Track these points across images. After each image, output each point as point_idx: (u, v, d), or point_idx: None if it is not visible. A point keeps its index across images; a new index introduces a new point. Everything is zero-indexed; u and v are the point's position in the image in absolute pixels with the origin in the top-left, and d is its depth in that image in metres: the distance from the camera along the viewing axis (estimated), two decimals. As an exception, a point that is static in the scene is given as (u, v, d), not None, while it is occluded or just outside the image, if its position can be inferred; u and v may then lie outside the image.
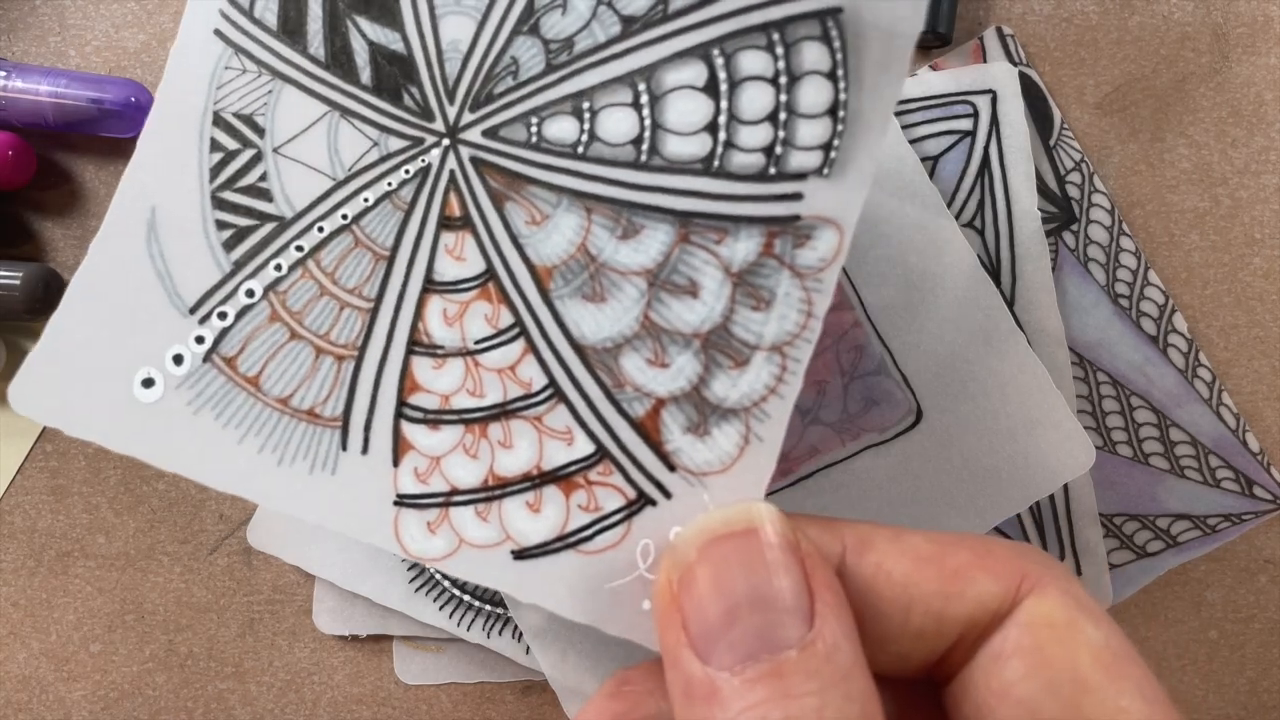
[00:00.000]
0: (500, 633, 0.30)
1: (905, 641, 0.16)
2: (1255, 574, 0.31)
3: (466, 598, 0.30)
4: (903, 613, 0.16)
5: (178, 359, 0.18)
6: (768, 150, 0.17)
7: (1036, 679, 0.15)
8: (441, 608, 0.30)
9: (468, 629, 0.30)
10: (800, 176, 0.17)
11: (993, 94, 0.30)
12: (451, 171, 0.18)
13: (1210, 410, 0.30)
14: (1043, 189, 0.30)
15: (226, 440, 0.17)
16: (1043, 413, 0.28)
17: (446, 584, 0.31)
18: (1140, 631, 0.31)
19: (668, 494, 0.17)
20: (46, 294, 0.30)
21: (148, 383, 0.17)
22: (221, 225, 0.18)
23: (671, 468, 0.17)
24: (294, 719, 0.32)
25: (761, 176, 0.17)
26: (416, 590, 0.30)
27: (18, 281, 0.29)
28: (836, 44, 0.17)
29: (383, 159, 0.18)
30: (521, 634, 0.30)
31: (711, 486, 0.17)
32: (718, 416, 0.17)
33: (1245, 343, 0.31)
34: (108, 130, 0.30)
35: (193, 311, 0.18)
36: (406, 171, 0.18)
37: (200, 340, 0.18)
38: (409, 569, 0.31)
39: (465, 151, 0.18)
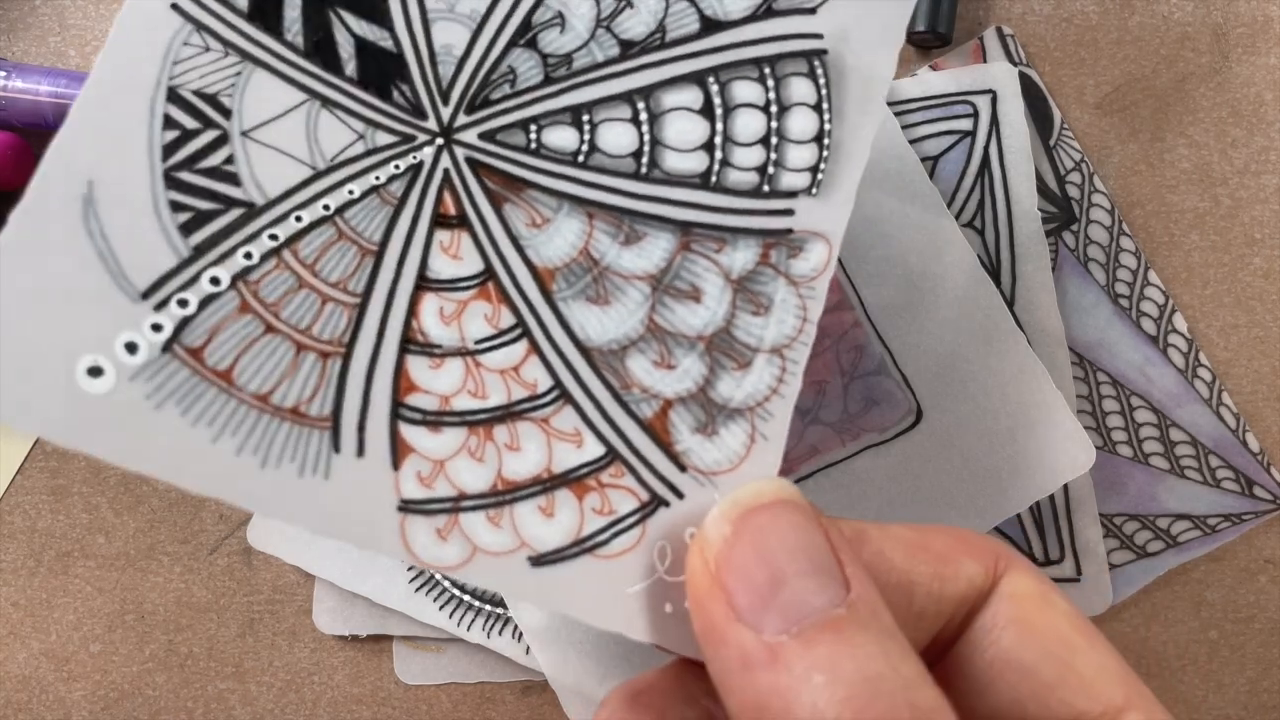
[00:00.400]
0: (500, 633, 0.30)
1: (908, 625, 0.17)
2: (1255, 574, 0.31)
3: (466, 598, 0.30)
4: (906, 597, 0.17)
5: (131, 347, 0.16)
6: (761, 170, 0.19)
7: (1031, 645, 0.16)
8: (441, 608, 0.30)
9: (468, 629, 0.30)
10: (791, 194, 0.19)
11: (993, 94, 0.30)
12: (446, 170, 0.18)
13: (1210, 410, 0.30)
14: (1043, 189, 0.30)
15: (199, 438, 0.16)
16: (1043, 413, 0.28)
17: (446, 584, 0.31)
18: (1140, 631, 0.31)
19: (680, 494, 0.17)
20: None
21: (95, 371, 0.16)
22: (178, 207, 0.17)
23: (682, 468, 0.17)
24: (294, 719, 0.32)
25: (756, 193, 0.19)
26: (416, 590, 0.30)
27: (18, 281, 0.29)
28: (822, 81, 0.19)
29: (369, 152, 0.18)
30: (521, 634, 0.30)
31: (721, 485, 0.18)
32: (724, 416, 0.18)
33: (1245, 343, 0.31)
34: (108, 130, 0.30)
35: (145, 297, 0.16)
36: (396, 167, 0.18)
37: (157, 328, 0.16)
38: (409, 568, 0.31)
39: (461, 152, 0.18)
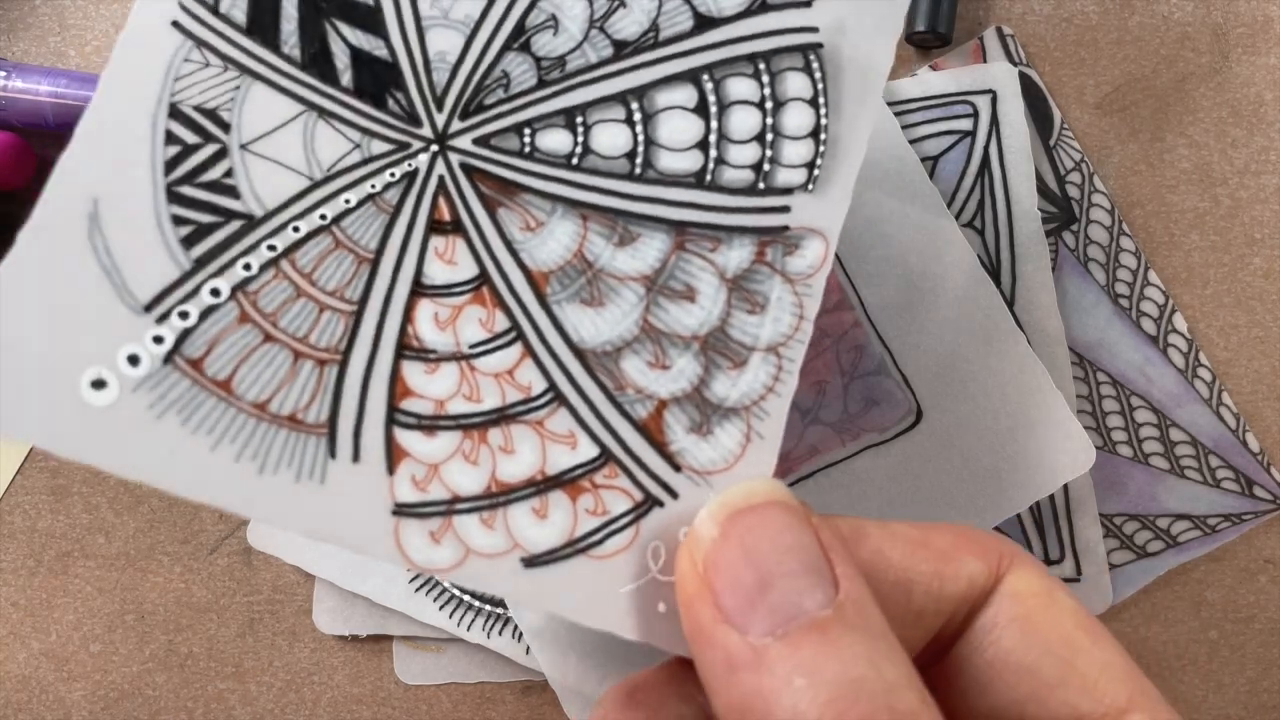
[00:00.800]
0: (500, 633, 0.30)
1: (906, 624, 0.17)
2: (1255, 574, 0.31)
3: (467, 598, 0.30)
4: (905, 595, 0.17)
5: (133, 359, 0.16)
6: (756, 167, 0.19)
7: (1032, 644, 0.16)
8: (441, 608, 0.30)
9: (468, 629, 0.30)
10: (787, 191, 0.19)
11: (993, 94, 0.30)
12: (441, 177, 0.18)
13: (1210, 410, 0.30)
14: (1043, 189, 0.30)
15: (198, 447, 0.16)
16: (1043, 413, 0.28)
17: (446, 584, 0.31)
18: (1140, 631, 0.31)
19: (674, 494, 0.17)
20: (46, 294, 0.30)
21: (98, 384, 0.16)
22: (179, 221, 0.17)
23: (677, 468, 0.18)
24: (294, 719, 0.32)
25: (751, 190, 0.19)
26: (416, 590, 0.30)
27: (18, 281, 0.29)
28: (818, 75, 0.19)
29: (365, 161, 0.18)
30: (521, 634, 0.30)
31: (717, 485, 0.18)
32: (720, 416, 0.18)
33: (1245, 343, 0.31)
34: (108, 130, 0.30)
35: (148, 310, 0.17)
36: (392, 175, 0.18)
37: (159, 340, 0.17)
38: (409, 569, 0.31)
39: (455, 158, 0.18)
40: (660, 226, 0.18)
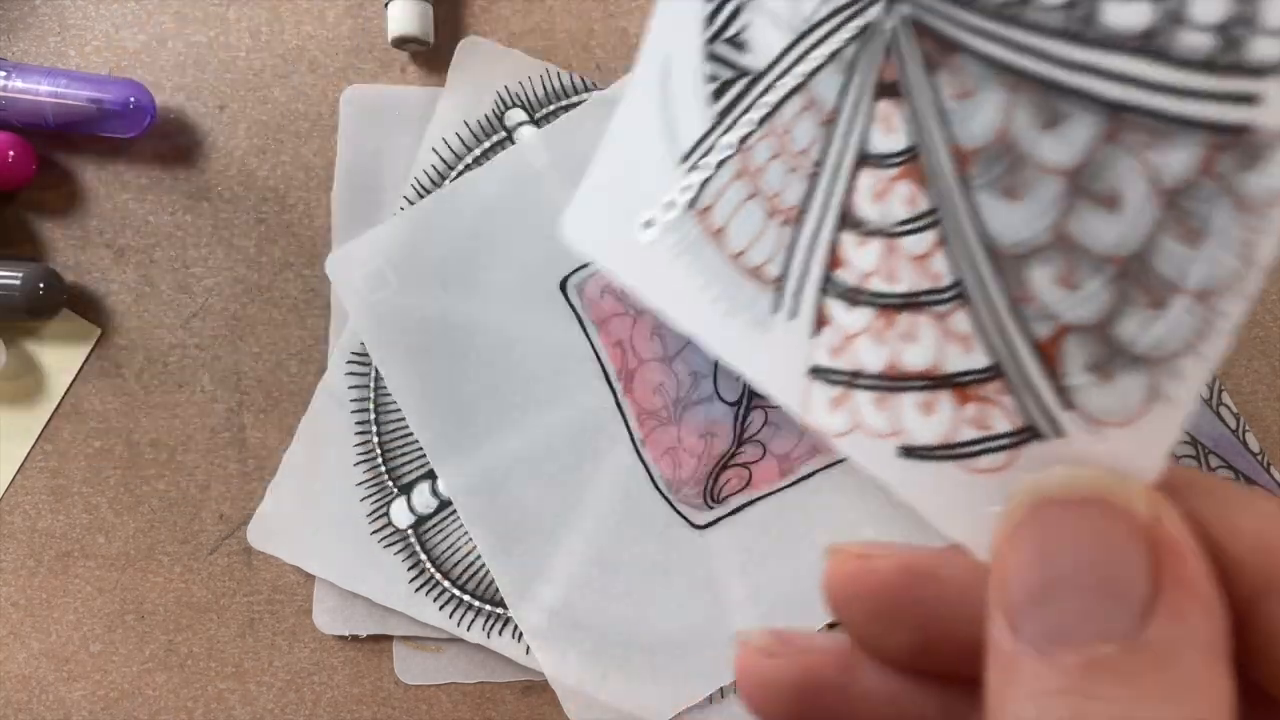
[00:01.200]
0: (500, 633, 0.30)
1: None
2: (1255, 574, 0.31)
3: (466, 598, 0.31)
4: None
5: (669, 205, 0.18)
6: (1221, 30, 0.13)
7: None
8: (441, 608, 0.30)
9: (468, 629, 0.30)
10: (1258, 72, 0.13)
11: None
12: (891, 30, 0.16)
13: (1210, 410, 0.30)
14: (1043, 189, 0.30)
15: (693, 285, 0.18)
16: (1043, 412, 0.28)
17: (446, 584, 0.31)
18: (1140, 631, 0.31)
19: (1060, 431, 0.15)
20: (46, 294, 0.30)
21: (648, 224, 0.18)
22: (709, 78, 0.18)
23: (1068, 405, 0.15)
24: (294, 719, 0.32)
25: (1209, 66, 0.13)
26: (416, 590, 0.30)
27: (18, 281, 0.29)
28: None
29: (832, 14, 0.17)
30: (521, 634, 0.30)
31: (1110, 439, 0.15)
32: (1124, 361, 0.15)
33: (1245, 343, 0.31)
34: (108, 130, 0.30)
35: (683, 160, 0.18)
36: (852, 29, 0.17)
37: (686, 189, 0.18)
38: (409, 569, 0.31)
39: (904, 9, 0.16)
40: (1092, 107, 0.14)
